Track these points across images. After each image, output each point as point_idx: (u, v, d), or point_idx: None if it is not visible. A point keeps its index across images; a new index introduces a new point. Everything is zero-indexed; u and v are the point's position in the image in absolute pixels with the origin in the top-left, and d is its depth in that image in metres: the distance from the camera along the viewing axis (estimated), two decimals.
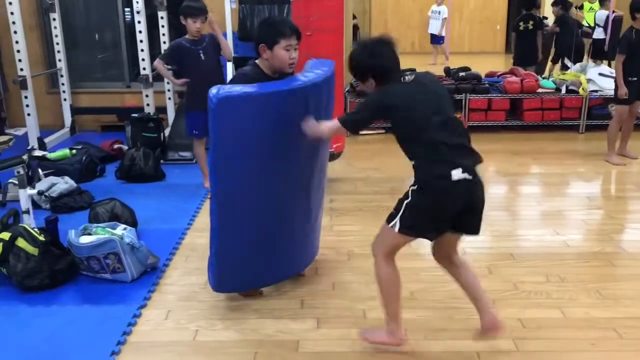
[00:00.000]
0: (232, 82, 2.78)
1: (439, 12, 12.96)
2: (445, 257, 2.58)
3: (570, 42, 8.62)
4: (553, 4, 8.90)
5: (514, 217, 4.25)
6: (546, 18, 9.59)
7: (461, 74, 6.88)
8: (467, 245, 3.66)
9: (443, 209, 2.36)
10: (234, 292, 3.05)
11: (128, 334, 2.74)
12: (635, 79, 5.20)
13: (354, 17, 9.62)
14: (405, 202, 2.38)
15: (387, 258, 2.50)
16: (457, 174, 2.27)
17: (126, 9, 7.10)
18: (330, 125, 2.61)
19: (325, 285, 3.19)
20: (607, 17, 8.76)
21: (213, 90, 2.47)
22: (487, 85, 6.76)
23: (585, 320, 2.83)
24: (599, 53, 9.32)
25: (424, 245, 3.58)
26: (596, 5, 10.82)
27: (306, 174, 2.89)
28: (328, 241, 3.73)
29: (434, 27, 13.15)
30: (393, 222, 2.41)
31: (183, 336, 2.74)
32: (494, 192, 5.00)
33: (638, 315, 2.87)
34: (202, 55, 4.48)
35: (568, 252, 3.61)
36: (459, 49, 15.27)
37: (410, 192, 2.38)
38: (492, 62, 8.96)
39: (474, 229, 2.46)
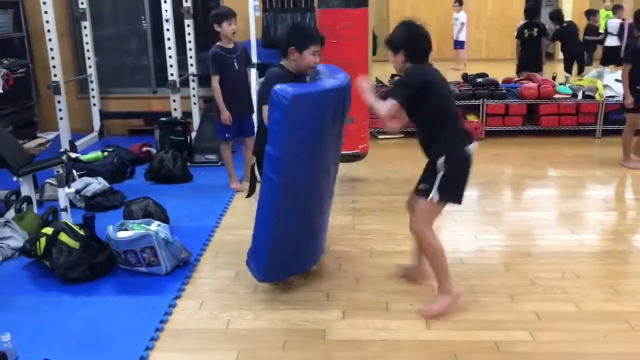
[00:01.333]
0: (271, 81, 2.97)
1: (457, 18, 13.34)
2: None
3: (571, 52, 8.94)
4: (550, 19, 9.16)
5: (531, 218, 4.37)
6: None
7: (478, 80, 7.01)
8: (484, 243, 3.82)
9: (468, 174, 2.86)
10: (278, 280, 3.24)
11: (165, 322, 2.92)
12: None
13: None
14: (440, 174, 2.78)
15: (432, 230, 2.92)
16: (472, 147, 2.84)
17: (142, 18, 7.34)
18: (387, 103, 2.73)
19: (350, 280, 3.35)
20: (622, 25, 8.98)
21: (278, 87, 2.71)
22: (504, 91, 6.88)
23: (599, 313, 2.96)
24: (610, 59, 9.51)
25: (445, 242, 3.74)
26: (612, 12, 10.97)
27: (332, 165, 3.18)
28: (351, 239, 3.90)
29: (455, 33, 13.54)
30: (431, 196, 2.81)
31: (216, 324, 2.91)
32: (511, 194, 5.13)
33: None
34: (235, 64, 4.64)
35: (584, 251, 3.73)
36: (476, 55, 15.32)
37: (440, 164, 2.78)
38: (510, 68, 9.05)
39: None
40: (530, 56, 7.99)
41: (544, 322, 2.89)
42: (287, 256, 3.11)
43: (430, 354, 2.65)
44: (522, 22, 8.24)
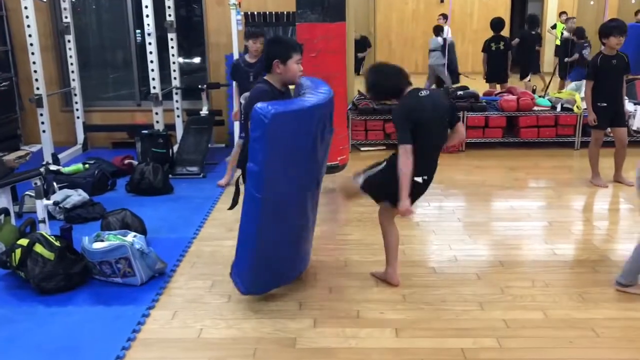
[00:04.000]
0: (256, 97, 3.00)
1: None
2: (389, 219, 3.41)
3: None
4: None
5: (506, 228, 4.43)
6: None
7: (459, 92, 7.10)
8: (458, 253, 3.87)
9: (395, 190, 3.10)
10: (262, 293, 3.26)
11: (137, 332, 2.94)
12: (605, 104, 5.22)
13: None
14: (379, 168, 3.25)
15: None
16: (418, 179, 3.12)
17: (137, 31, 7.41)
18: (403, 154, 3.03)
19: (323, 289, 3.39)
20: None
21: (259, 105, 2.74)
22: (485, 104, 6.98)
23: (566, 320, 3.01)
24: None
25: (415, 254, 3.80)
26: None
27: (318, 178, 3.26)
28: (328, 249, 3.94)
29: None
30: (358, 179, 3.32)
31: (188, 334, 2.94)
32: (487, 204, 5.19)
33: (615, 316, 3.05)
34: (251, 76, 5.08)
35: (555, 260, 3.79)
36: (462, 69, 15.51)
37: (384, 163, 3.21)
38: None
39: None
40: (496, 68, 8.31)
41: (512, 330, 2.94)
42: (271, 271, 3.16)
43: None
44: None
